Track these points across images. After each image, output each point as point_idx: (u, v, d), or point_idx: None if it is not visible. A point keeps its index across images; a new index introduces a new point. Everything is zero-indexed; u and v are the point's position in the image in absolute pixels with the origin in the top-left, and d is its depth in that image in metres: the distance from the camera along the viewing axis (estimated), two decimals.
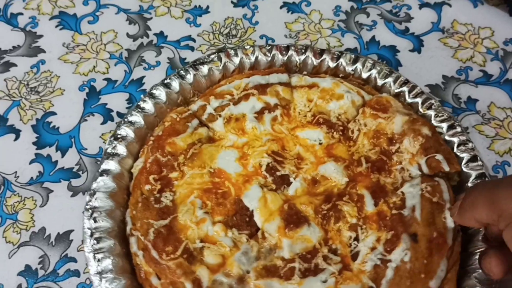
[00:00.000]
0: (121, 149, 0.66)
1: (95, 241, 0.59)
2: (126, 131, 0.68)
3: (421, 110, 0.71)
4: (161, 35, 0.88)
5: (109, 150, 0.66)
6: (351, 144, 0.67)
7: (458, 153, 0.66)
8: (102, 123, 0.78)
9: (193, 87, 0.74)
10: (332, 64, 0.76)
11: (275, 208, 0.62)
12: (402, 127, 0.66)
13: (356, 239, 0.59)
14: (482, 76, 0.83)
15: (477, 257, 0.57)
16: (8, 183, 0.72)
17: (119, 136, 0.67)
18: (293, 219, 0.60)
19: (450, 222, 0.58)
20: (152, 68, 0.84)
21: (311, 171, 0.65)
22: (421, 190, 0.60)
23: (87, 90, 0.81)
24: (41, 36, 0.88)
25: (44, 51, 0.86)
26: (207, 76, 0.75)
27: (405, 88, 0.73)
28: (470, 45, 0.87)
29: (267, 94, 0.71)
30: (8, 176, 0.73)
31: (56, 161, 0.74)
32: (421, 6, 0.92)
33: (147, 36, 0.88)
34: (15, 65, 0.85)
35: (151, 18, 0.91)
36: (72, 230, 0.68)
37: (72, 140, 0.76)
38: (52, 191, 0.72)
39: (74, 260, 0.66)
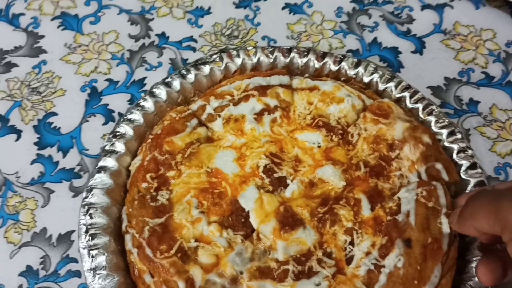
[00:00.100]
0: (120, 146, 0.67)
1: (90, 237, 0.59)
2: (125, 129, 0.68)
3: (421, 116, 0.71)
4: (163, 35, 0.88)
5: (107, 147, 0.66)
6: (350, 148, 0.67)
7: (457, 160, 0.66)
8: (104, 124, 0.78)
9: (194, 86, 0.74)
10: (334, 68, 0.76)
11: (271, 209, 0.61)
12: (403, 133, 0.66)
13: (351, 243, 0.59)
14: (484, 78, 0.83)
15: (474, 265, 0.57)
16: (9, 183, 0.72)
17: (118, 133, 0.67)
18: (288, 221, 0.60)
19: (445, 228, 0.57)
20: (153, 69, 0.84)
21: (308, 174, 0.65)
22: (417, 195, 0.60)
23: (88, 90, 0.81)
24: (42, 36, 0.88)
25: (45, 52, 0.86)
26: (209, 76, 0.75)
27: (406, 93, 0.72)
28: (472, 46, 0.87)
29: (267, 95, 0.70)
30: (9, 177, 0.73)
31: (58, 162, 0.74)
32: (423, 7, 0.92)
33: (149, 37, 0.88)
34: (16, 65, 0.85)
35: (153, 18, 0.91)
36: (74, 231, 0.68)
37: (74, 140, 0.76)
38: (53, 191, 0.72)
39: (75, 260, 0.66)
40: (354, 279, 0.56)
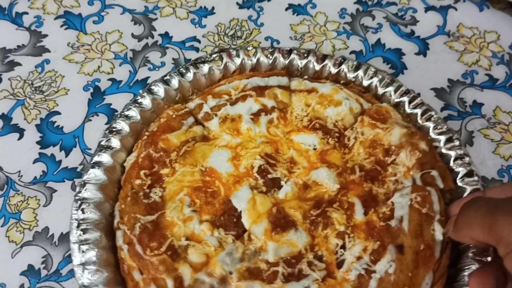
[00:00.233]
0: (115, 142, 0.67)
1: (81, 232, 0.59)
2: (122, 125, 0.68)
3: (420, 121, 0.70)
4: (166, 35, 0.88)
5: (102, 143, 0.66)
6: (346, 151, 0.67)
7: (454, 167, 0.66)
8: (106, 123, 0.77)
9: (192, 85, 0.74)
10: (333, 70, 0.75)
11: (263, 210, 0.61)
12: (400, 139, 0.65)
13: (343, 247, 0.58)
14: (488, 80, 0.83)
15: (466, 273, 0.56)
16: (11, 182, 0.72)
17: (114, 129, 0.68)
18: (280, 222, 0.60)
19: (438, 234, 0.57)
20: (157, 68, 0.84)
21: (303, 176, 0.65)
22: (411, 200, 0.59)
23: (91, 90, 0.81)
24: (46, 35, 0.88)
25: (48, 51, 0.86)
26: (207, 75, 0.75)
27: (405, 98, 0.72)
28: (476, 49, 0.87)
29: (265, 96, 0.70)
30: (11, 176, 0.73)
31: (60, 161, 0.74)
32: (427, 9, 0.92)
33: (152, 37, 0.88)
34: (19, 64, 0.85)
35: (156, 18, 0.91)
36: None
37: (76, 140, 0.76)
38: (55, 190, 0.71)
39: None
40: (344, 283, 0.55)
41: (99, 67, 0.84)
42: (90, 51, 0.86)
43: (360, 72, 0.75)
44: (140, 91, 0.72)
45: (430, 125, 0.69)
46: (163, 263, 0.56)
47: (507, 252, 0.43)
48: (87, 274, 0.56)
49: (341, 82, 0.75)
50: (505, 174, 0.73)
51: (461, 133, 0.77)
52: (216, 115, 0.69)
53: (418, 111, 0.71)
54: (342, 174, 0.65)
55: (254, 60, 0.76)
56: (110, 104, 0.80)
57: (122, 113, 0.69)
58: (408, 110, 0.72)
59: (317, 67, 0.76)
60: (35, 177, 0.73)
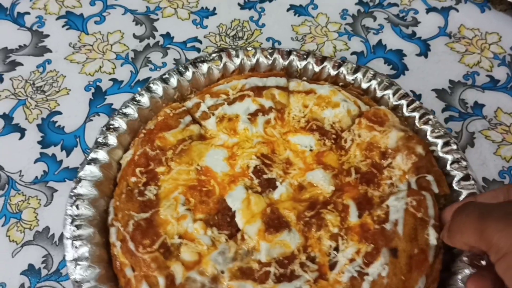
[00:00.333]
0: (112, 139, 0.67)
1: (75, 228, 0.59)
2: (119, 123, 0.68)
3: (417, 124, 0.70)
4: (167, 36, 0.88)
5: (99, 140, 0.66)
6: (343, 153, 0.67)
7: (450, 171, 0.65)
8: None
9: (191, 84, 0.74)
10: (333, 72, 0.75)
11: (257, 210, 0.61)
12: (397, 142, 0.65)
13: (336, 249, 0.58)
14: (489, 81, 0.83)
15: (459, 277, 0.56)
16: (12, 182, 0.72)
17: (111, 126, 0.68)
18: (274, 223, 0.60)
19: (432, 239, 0.57)
20: (158, 69, 0.84)
21: (298, 177, 0.65)
22: (406, 204, 0.59)
23: (93, 90, 0.81)
24: (47, 35, 0.88)
25: (50, 51, 0.86)
26: (206, 75, 0.75)
27: (403, 101, 0.72)
28: (477, 50, 0.87)
29: (263, 96, 0.70)
30: (12, 175, 0.73)
31: (61, 161, 0.74)
32: (428, 10, 0.92)
33: (154, 37, 0.88)
34: (21, 64, 0.85)
35: (158, 19, 0.91)
36: None
37: (77, 139, 0.76)
38: (56, 190, 0.71)
39: None
40: (336, 285, 0.55)
41: (100, 67, 0.84)
42: (91, 51, 0.86)
43: (359, 75, 0.74)
44: (139, 89, 0.72)
45: (428, 128, 0.69)
46: (155, 261, 0.56)
47: (497, 258, 0.43)
48: (79, 269, 0.56)
49: (340, 84, 0.75)
50: (506, 176, 0.73)
51: (462, 134, 0.77)
52: (213, 114, 0.69)
53: (416, 114, 0.70)
54: (338, 176, 0.64)
55: (254, 60, 0.76)
56: (111, 104, 0.80)
57: (120, 111, 0.69)
58: (406, 113, 0.71)
59: (316, 68, 0.76)
60: (36, 177, 0.73)
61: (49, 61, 0.85)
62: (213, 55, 0.75)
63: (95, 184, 0.63)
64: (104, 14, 0.91)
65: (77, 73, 0.83)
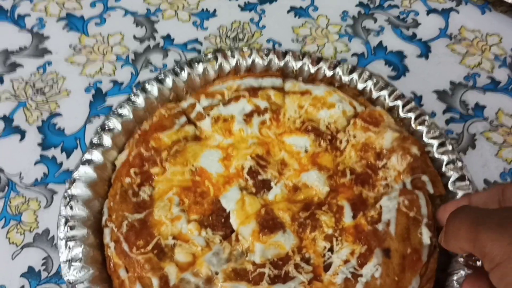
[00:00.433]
0: (107, 140, 0.67)
1: (69, 229, 0.59)
2: (114, 123, 0.68)
3: (413, 125, 0.70)
4: (168, 38, 0.88)
5: (94, 141, 0.66)
6: (338, 154, 0.67)
7: (445, 171, 0.65)
8: None
9: (186, 85, 0.74)
10: (328, 73, 0.75)
11: (252, 211, 0.61)
12: (392, 143, 0.65)
13: (331, 250, 0.58)
14: (490, 82, 0.83)
15: (455, 277, 0.56)
16: (12, 184, 0.72)
17: (106, 127, 0.68)
18: (268, 224, 0.60)
19: (426, 238, 0.57)
20: (158, 70, 0.84)
21: (293, 178, 0.65)
22: (398, 203, 0.59)
23: (93, 92, 0.81)
24: (48, 37, 0.88)
25: (50, 53, 0.86)
26: (202, 75, 0.75)
27: (399, 102, 0.72)
28: (478, 51, 0.87)
29: (258, 97, 0.70)
30: (12, 177, 0.73)
31: (61, 163, 0.74)
32: (429, 12, 0.92)
33: (154, 39, 0.88)
34: (21, 66, 0.85)
35: (158, 21, 0.91)
36: None
37: (78, 141, 0.76)
38: (56, 192, 0.71)
39: None
40: (330, 287, 0.55)
41: (100, 69, 0.84)
42: (92, 53, 0.86)
43: (355, 75, 0.74)
44: (134, 89, 0.72)
45: (424, 129, 0.69)
46: (148, 262, 0.56)
47: (491, 267, 0.43)
48: (73, 270, 0.56)
49: (336, 85, 0.75)
50: (508, 177, 0.73)
51: (463, 135, 0.77)
52: (208, 115, 0.69)
53: (412, 115, 0.70)
54: (333, 177, 0.64)
55: (249, 61, 0.76)
56: (112, 106, 0.79)
57: (115, 111, 0.69)
58: (401, 114, 0.71)
59: (312, 69, 0.76)
60: (36, 179, 0.72)
61: (49, 63, 0.85)
62: (209, 55, 0.75)
63: (89, 185, 0.63)
64: (105, 16, 0.91)
65: (78, 75, 0.83)
